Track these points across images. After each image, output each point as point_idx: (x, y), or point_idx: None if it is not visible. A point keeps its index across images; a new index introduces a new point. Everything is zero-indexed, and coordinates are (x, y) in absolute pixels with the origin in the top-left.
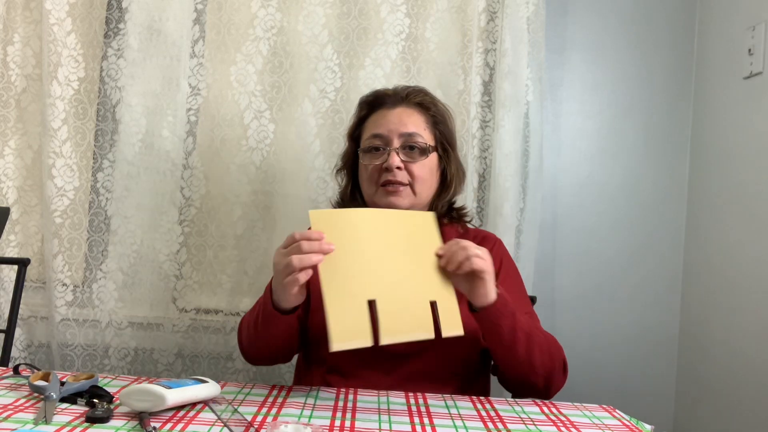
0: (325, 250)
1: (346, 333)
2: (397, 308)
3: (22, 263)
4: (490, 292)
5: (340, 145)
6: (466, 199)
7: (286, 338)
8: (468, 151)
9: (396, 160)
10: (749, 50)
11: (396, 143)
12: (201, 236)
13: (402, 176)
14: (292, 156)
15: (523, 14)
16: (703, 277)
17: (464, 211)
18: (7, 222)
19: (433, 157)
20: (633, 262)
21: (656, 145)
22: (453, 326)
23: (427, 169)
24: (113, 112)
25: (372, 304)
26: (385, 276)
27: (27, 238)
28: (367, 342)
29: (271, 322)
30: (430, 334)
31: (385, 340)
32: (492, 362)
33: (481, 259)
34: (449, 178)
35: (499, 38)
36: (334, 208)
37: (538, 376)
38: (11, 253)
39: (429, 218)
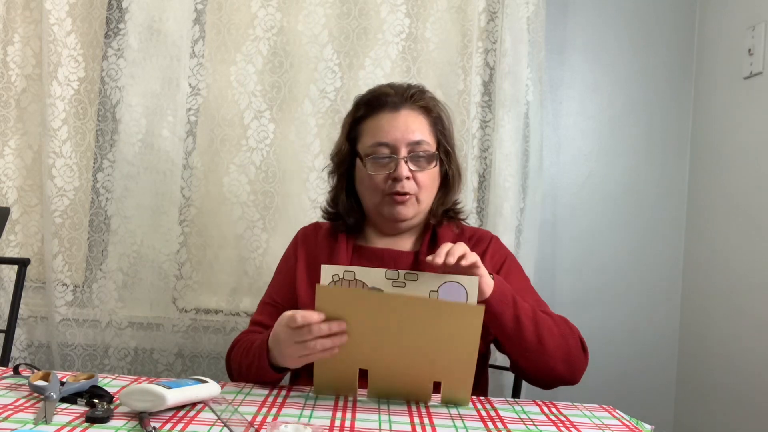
0: (336, 344)
1: (329, 387)
2: (391, 380)
3: (22, 263)
4: (486, 283)
5: None
6: (466, 199)
7: (279, 382)
8: (468, 151)
9: (405, 170)
10: (749, 50)
11: (403, 152)
12: (201, 236)
13: (410, 186)
14: (292, 156)
15: (523, 14)
16: (703, 277)
17: (459, 207)
18: (7, 222)
19: (437, 163)
20: (633, 262)
21: (656, 145)
22: (459, 400)
23: (432, 176)
24: (113, 112)
25: (364, 371)
26: (385, 354)
27: (27, 238)
28: (351, 395)
29: (266, 376)
30: (426, 401)
31: (372, 395)
32: (510, 363)
33: (468, 254)
34: (450, 180)
35: (499, 38)
36: (326, 210)
37: (556, 360)
38: (11, 253)
39: (477, 313)
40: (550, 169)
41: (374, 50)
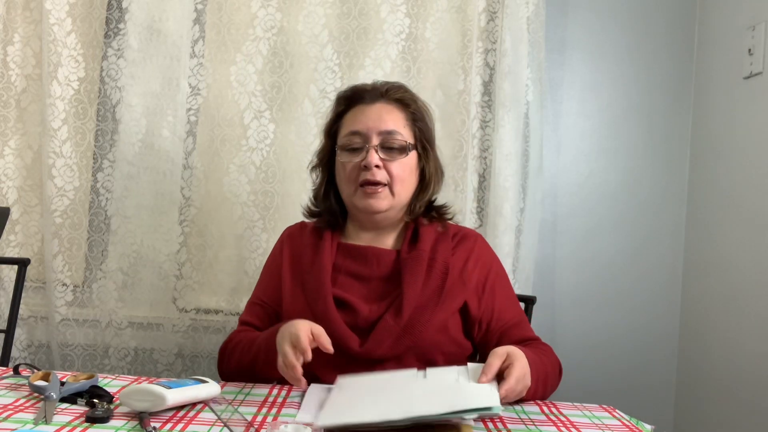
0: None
1: None
2: None
3: (22, 263)
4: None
5: None
6: (465, 199)
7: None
8: (468, 151)
9: (375, 158)
10: (749, 50)
11: (375, 141)
12: (201, 236)
13: (381, 175)
14: (292, 156)
15: (523, 14)
16: (703, 277)
17: (445, 209)
18: (7, 222)
19: (412, 156)
20: (633, 262)
21: (656, 145)
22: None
23: (406, 168)
24: (113, 112)
25: None
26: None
27: (27, 238)
28: None
29: (273, 372)
30: None
31: None
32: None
33: (525, 386)
34: (428, 177)
35: (499, 38)
36: (308, 209)
37: (544, 396)
38: (11, 253)
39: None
40: (550, 169)
41: (374, 50)
